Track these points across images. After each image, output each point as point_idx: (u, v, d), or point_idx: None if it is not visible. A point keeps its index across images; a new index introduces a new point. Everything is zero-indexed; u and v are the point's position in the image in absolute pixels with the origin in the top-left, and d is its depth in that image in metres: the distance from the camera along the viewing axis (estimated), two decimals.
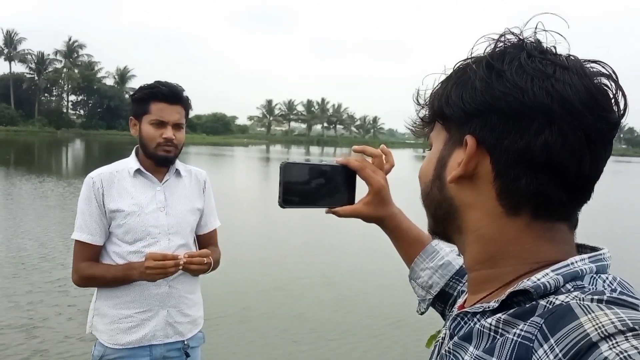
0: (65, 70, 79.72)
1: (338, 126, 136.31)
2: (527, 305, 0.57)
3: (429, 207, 0.71)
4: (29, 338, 4.90)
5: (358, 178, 1.00)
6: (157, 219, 1.96)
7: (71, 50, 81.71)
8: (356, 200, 1.01)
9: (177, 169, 2.06)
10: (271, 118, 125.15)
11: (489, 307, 0.61)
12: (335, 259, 8.98)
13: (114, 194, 1.94)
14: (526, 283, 0.58)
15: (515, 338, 0.55)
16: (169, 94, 1.95)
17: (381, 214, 1.02)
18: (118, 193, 1.94)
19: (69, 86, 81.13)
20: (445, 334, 0.74)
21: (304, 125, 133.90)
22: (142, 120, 1.97)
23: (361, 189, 1.03)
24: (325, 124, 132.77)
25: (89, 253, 1.94)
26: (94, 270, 1.94)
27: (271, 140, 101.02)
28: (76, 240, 1.95)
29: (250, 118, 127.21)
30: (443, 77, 0.68)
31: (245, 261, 7.66)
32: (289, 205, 0.93)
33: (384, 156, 1.03)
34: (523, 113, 0.59)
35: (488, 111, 0.61)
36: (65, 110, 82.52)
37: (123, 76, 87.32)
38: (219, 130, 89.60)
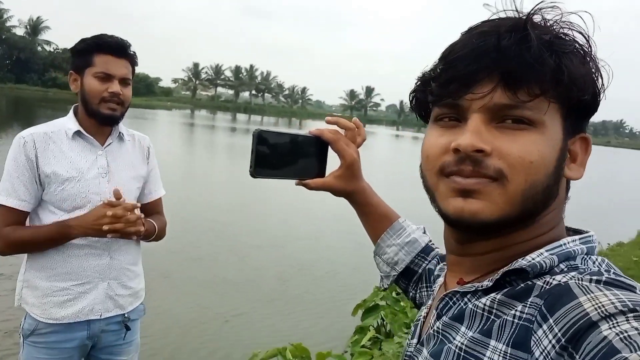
0: None
1: (266, 94, 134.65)
2: (522, 285, 0.58)
3: (534, 196, 0.60)
4: None
5: (330, 150, 0.98)
6: (99, 185, 1.82)
7: None
8: (327, 173, 0.99)
9: (120, 133, 1.92)
10: (197, 82, 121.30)
11: (481, 287, 0.61)
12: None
13: (49, 156, 1.76)
14: (521, 262, 0.59)
15: (515, 320, 0.55)
16: (116, 45, 1.79)
17: (352, 188, 1.01)
18: (54, 156, 1.77)
19: None
20: (425, 313, 0.75)
21: (231, 92, 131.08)
22: (84, 74, 1.79)
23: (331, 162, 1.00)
24: (254, 92, 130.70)
25: (14, 219, 1.76)
26: (22, 232, 1.76)
27: (196, 105, 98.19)
28: (0, 205, 1.75)
29: (175, 81, 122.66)
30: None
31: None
32: (261, 175, 0.89)
33: (356, 129, 1.01)
34: None
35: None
36: None
37: (36, 27, 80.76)
38: (140, 91, 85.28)
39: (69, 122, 1.84)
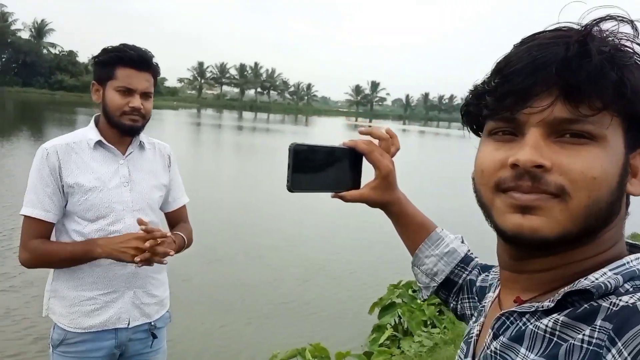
0: None
1: (272, 92, 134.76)
2: (586, 306, 0.56)
3: (596, 212, 0.58)
4: None
5: (365, 162, 0.96)
6: (121, 194, 1.81)
7: None
8: (362, 184, 0.97)
9: (140, 141, 1.91)
10: (202, 81, 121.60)
11: (542, 307, 0.59)
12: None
13: (72, 167, 1.76)
14: (584, 283, 0.57)
15: (584, 345, 0.53)
16: (138, 59, 1.78)
17: (388, 198, 0.99)
18: (77, 166, 1.77)
19: None
20: (478, 331, 0.73)
21: (236, 90, 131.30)
22: (106, 86, 1.78)
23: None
24: (259, 89, 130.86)
25: (41, 231, 1.76)
26: (48, 247, 1.76)
27: (202, 104, 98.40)
28: (26, 217, 1.75)
29: (181, 80, 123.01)
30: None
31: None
32: (297, 189, 0.88)
33: (390, 139, 0.99)
34: None
35: None
36: None
37: (40, 30, 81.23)
38: None
39: (90, 133, 1.83)
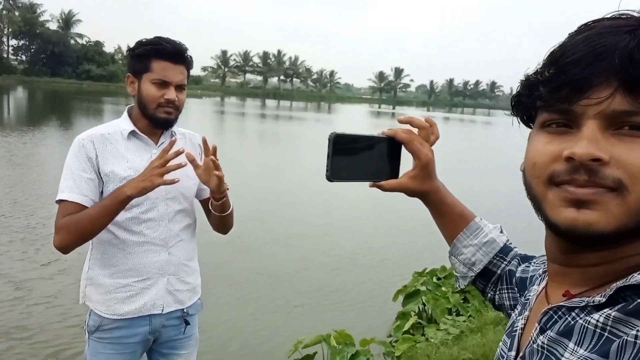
0: (4, 12, 74.32)
1: (294, 79, 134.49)
2: (638, 301, 0.54)
3: None
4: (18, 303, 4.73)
5: (403, 150, 0.96)
6: None
7: None
8: (400, 173, 0.97)
9: (172, 132, 1.95)
10: (226, 69, 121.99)
11: (592, 302, 0.58)
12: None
13: (107, 156, 1.81)
14: (637, 277, 0.55)
15: (638, 342, 0.51)
16: (174, 52, 1.81)
17: (427, 188, 0.99)
18: (112, 156, 1.81)
19: (9, 30, 75.77)
20: (522, 324, 0.72)
21: (259, 78, 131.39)
22: (142, 79, 1.82)
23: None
24: (282, 77, 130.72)
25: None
26: (77, 215, 1.73)
27: (226, 92, 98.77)
28: (63, 202, 1.75)
29: (204, 69, 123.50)
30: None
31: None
32: (336, 178, 0.88)
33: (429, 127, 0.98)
34: None
35: None
36: (5, 56, 77.26)
37: (68, 20, 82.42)
38: None
39: (123, 123, 1.88)
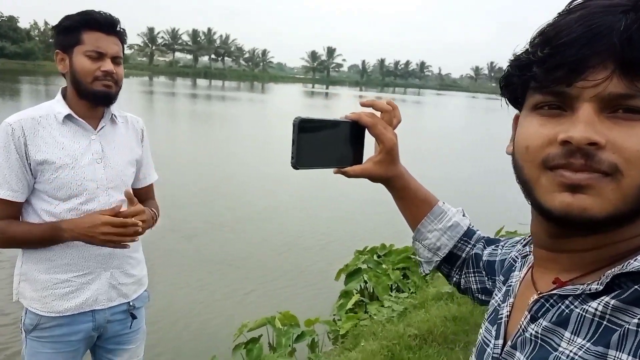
0: None
1: (226, 58, 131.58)
2: (636, 288, 0.54)
3: None
4: None
5: (366, 135, 0.93)
6: (94, 171, 1.72)
7: None
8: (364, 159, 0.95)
9: (112, 115, 1.82)
10: (153, 48, 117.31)
11: (588, 290, 0.57)
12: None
13: (39, 143, 1.66)
14: (634, 264, 0.54)
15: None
16: (105, 22, 1.68)
17: (391, 173, 0.97)
18: (45, 142, 1.66)
19: None
20: (508, 312, 0.71)
21: (189, 57, 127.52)
22: (72, 53, 1.67)
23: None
24: (213, 56, 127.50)
25: (8, 211, 1.67)
26: (15, 229, 1.68)
27: (154, 72, 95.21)
28: None
29: (130, 47, 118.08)
30: None
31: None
32: (302, 166, 0.84)
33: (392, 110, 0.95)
34: None
35: None
36: None
37: None
38: None
39: (57, 106, 1.72)
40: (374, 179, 0.96)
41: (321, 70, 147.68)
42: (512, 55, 0.64)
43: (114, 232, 1.62)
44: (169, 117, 23.12)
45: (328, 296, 5.35)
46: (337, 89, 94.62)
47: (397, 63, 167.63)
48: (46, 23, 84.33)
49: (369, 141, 0.95)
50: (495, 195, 10.31)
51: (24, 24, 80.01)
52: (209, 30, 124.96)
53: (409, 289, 5.03)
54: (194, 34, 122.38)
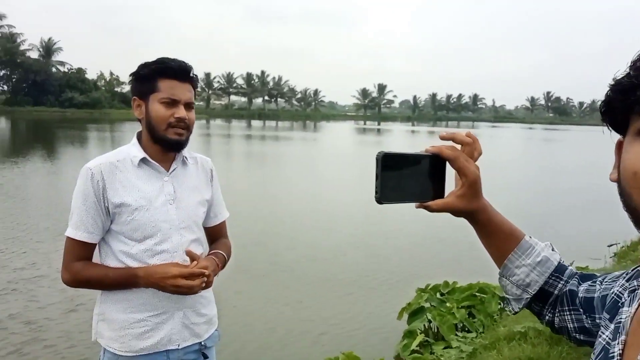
0: None
1: (279, 99, 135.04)
2: None
3: None
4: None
5: (447, 168, 0.91)
6: (167, 212, 1.78)
7: None
8: (446, 193, 0.92)
9: (184, 157, 1.88)
10: (210, 91, 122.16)
11: None
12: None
13: (117, 186, 1.73)
14: None
15: None
16: (180, 70, 1.76)
17: (475, 206, 0.93)
18: (122, 185, 1.74)
19: None
20: (620, 349, 0.66)
21: (244, 99, 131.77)
22: (149, 100, 1.76)
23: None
24: (266, 97, 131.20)
25: (83, 252, 1.75)
26: (91, 272, 1.75)
27: (211, 115, 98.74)
28: (69, 237, 1.74)
29: None
30: None
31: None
32: (386, 200, 0.83)
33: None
34: None
35: None
36: None
37: (49, 49, 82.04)
38: None
39: (133, 150, 1.80)
40: (456, 213, 0.93)
41: (372, 107, 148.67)
42: (612, 80, 0.62)
43: (184, 284, 1.68)
44: (226, 158, 23.79)
45: (389, 336, 5.22)
46: (388, 124, 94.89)
47: (449, 97, 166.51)
48: (111, 73, 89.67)
49: (448, 175, 0.93)
50: (564, 229, 9.87)
51: (91, 75, 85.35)
52: (262, 72, 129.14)
53: (476, 329, 4.83)
54: (248, 77, 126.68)
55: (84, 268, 1.74)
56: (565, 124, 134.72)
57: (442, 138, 0.95)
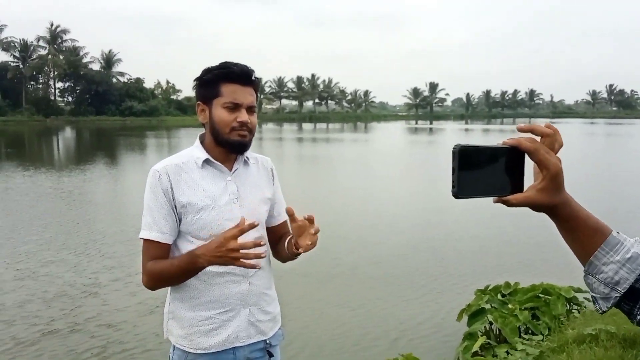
0: (50, 56, 78.05)
1: (329, 102, 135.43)
2: None
3: None
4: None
5: (527, 161, 0.88)
6: (231, 211, 1.82)
7: (55, 36, 79.88)
8: (525, 186, 0.89)
9: (245, 157, 1.91)
10: (262, 97, 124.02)
11: None
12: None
13: (183, 186, 1.79)
14: None
15: None
16: (242, 74, 1.79)
17: (557, 200, 0.88)
18: (187, 186, 1.79)
19: (55, 73, 79.42)
20: None
21: (295, 102, 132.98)
22: (212, 104, 1.80)
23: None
24: (317, 100, 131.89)
25: (158, 253, 1.79)
26: (160, 265, 1.78)
27: (263, 119, 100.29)
28: (144, 240, 1.79)
29: None
30: None
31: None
32: (464, 195, 0.81)
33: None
34: None
35: None
36: (53, 98, 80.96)
37: (109, 60, 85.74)
38: None
39: (196, 152, 1.85)
40: (537, 207, 0.89)
41: (424, 106, 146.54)
42: None
43: (239, 246, 1.61)
44: (279, 160, 24.08)
45: (448, 338, 5.11)
46: (441, 123, 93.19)
47: (504, 93, 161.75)
48: (167, 82, 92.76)
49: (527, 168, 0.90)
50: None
51: (148, 84, 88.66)
52: (313, 76, 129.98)
53: (541, 332, 4.65)
54: (299, 80, 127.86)
55: (154, 264, 1.78)
56: (630, 117, 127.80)
57: (520, 130, 0.92)
